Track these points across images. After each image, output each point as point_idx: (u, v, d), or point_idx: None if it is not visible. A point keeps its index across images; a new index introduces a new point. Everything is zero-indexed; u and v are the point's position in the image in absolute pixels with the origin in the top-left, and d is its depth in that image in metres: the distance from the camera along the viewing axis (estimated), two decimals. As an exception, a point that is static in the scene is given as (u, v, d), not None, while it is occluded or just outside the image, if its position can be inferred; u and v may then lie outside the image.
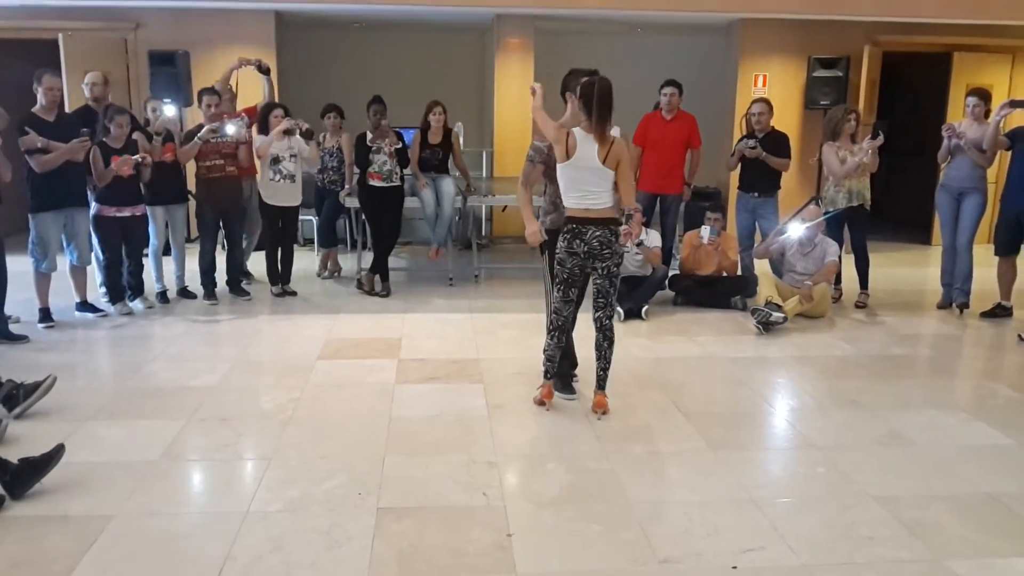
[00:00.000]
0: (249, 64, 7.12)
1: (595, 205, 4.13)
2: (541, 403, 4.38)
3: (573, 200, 4.15)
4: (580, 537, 3.08)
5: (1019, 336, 5.84)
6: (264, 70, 7.22)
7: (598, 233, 4.13)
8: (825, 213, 6.55)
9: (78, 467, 3.60)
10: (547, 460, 3.76)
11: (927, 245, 9.50)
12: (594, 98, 4.04)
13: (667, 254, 6.88)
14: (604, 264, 4.17)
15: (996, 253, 6.30)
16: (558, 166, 4.18)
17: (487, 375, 4.90)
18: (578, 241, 4.15)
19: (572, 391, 4.51)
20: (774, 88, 9.19)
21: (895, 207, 10.69)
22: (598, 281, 4.22)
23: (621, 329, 5.81)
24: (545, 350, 4.38)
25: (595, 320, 4.28)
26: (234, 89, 7.23)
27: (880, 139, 6.47)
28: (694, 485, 3.53)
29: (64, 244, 5.87)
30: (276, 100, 7.41)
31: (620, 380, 4.70)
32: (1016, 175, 6.05)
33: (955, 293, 6.54)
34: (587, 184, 4.10)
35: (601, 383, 4.34)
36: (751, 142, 6.61)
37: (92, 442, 3.89)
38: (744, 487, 3.51)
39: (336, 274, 7.72)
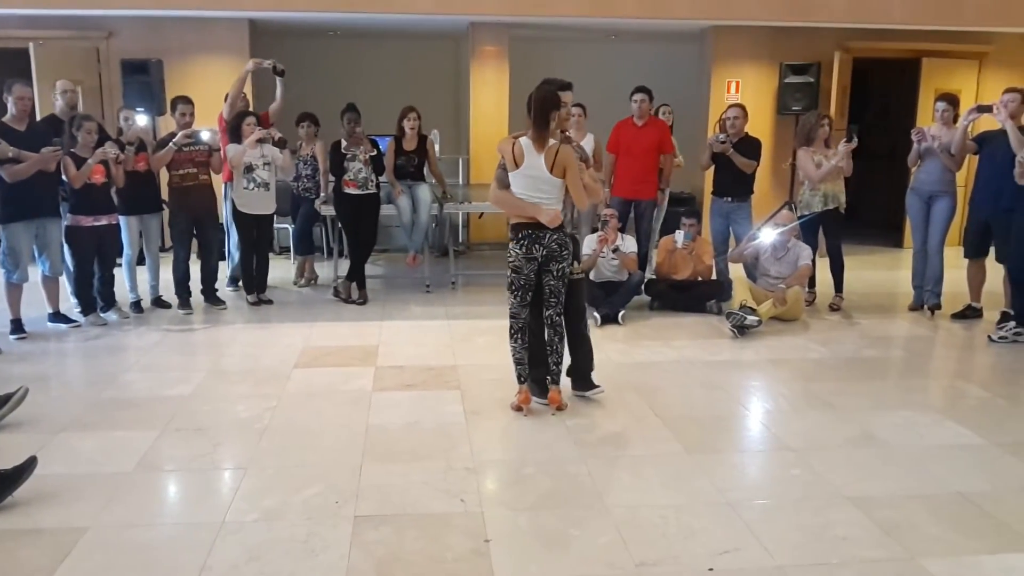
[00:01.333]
0: (263, 66, 7.05)
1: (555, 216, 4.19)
2: (519, 408, 4.40)
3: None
4: (558, 542, 3.09)
5: (989, 337, 5.93)
6: (279, 72, 7.15)
7: (555, 236, 4.23)
8: (800, 217, 6.62)
9: (51, 479, 3.56)
10: (524, 465, 3.77)
11: (899, 248, 9.62)
12: (532, 107, 4.12)
13: (642, 260, 6.92)
14: (559, 266, 4.26)
15: (965, 255, 6.40)
16: (509, 174, 4.24)
17: (464, 382, 4.90)
18: (537, 246, 4.23)
19: (542, 397, 4.52)
20: (747, 94, 9.29)
21: (867, 210, 10.80)
22: (551, 283, 4.30)
23: (598, 334, 5.85)
24: (512, 354, 4.43)
25: (545, 317, 4.37)
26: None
27: (854, 142, 6.56)
28: (670, 488, 3.55)
29: (36, 255, 5.80)
30: (281, 102, 7.36)
31: (597, 385, 4.74)
32: (984, 179, 6.14)
33: (926, 295, 6.63)
34: (538, 192, 4.18)
35: (555, 378, 4.43)
36: (721, 136, 6.67)
37: (65, 454, 3.84)
38: (720, 490, 3.53)
39: (312, 282, 7.69)
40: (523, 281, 4.32)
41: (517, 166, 4.20)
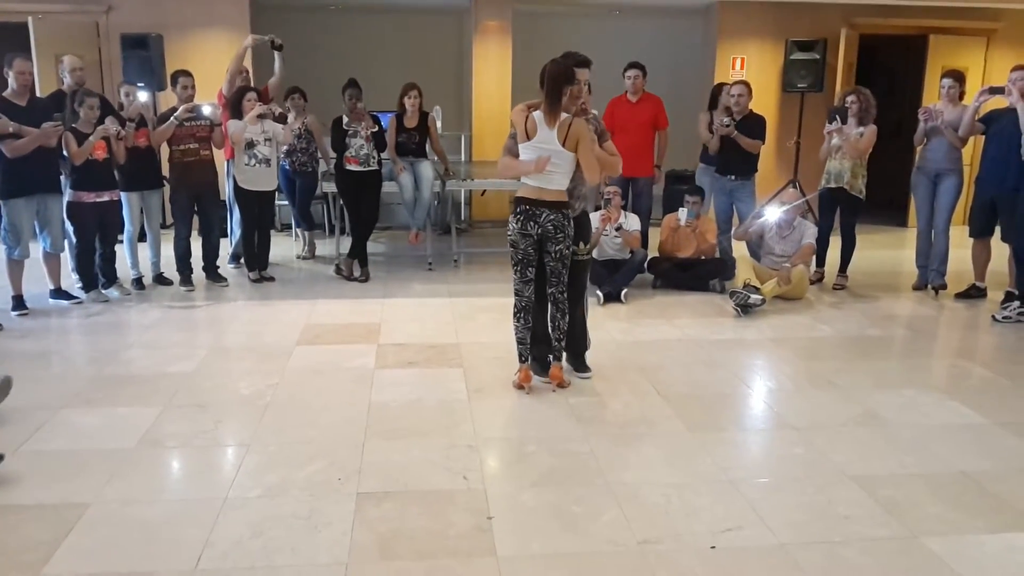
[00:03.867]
0: (262, 41, 7.02)
1: (550, 186, 4.17)
2: (520, 387, 4.39)
3: (532, 179, 4.19)
4: (560, 519, 3.09)
5: (993, 317, 5.91)
6: (277, 47, 7.11)
7: (552, 216, 4.18)
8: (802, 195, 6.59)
9: (54, 455, 3.57)
10: (527, 443, 3.77)
11: (903, 227, 9.58)
12: (544, 81, 4.10)
13: (644, 237, 6.90)
14: (556, 248, 4.23)
15: (971, 235, 6.37)
16: (519, 146, 4.22)
17: (467, 359, 4.89)
18: (532, 223, 4.20)
19: (544, 374, 4.52)
20: (752, 71, 9.22)
21: (872, 189, 10.72)
22: (551, 263, 4.28)
23: (600, 313, 5.84)
24: (515, 333, 4.42)
25: (548, 295, 4.36)
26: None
27: (833, 125, 6.48)
28: (673, 466, 3.55)
29: (37, 231, 5.79)
30: (281, 77, 7.33)
31: (600, 363, 4.73)
32: (990, 158, 6.10)
33: (931, 274, 6.61)
34: (550, 165, 4.14)
35: (557, 353, 4.43)
36: (726, 120, 6.62)
37: (68, 430, 3.85)
38: (722, 468, 3.53)
39: (312, 255, 7.70)
40: (521, 256, 4.30)
41: (529, 138, 4.18)
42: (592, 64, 4.37)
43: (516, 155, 4.26)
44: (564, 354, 4.51)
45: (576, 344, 4.61)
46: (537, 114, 4.16)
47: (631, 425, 4.00)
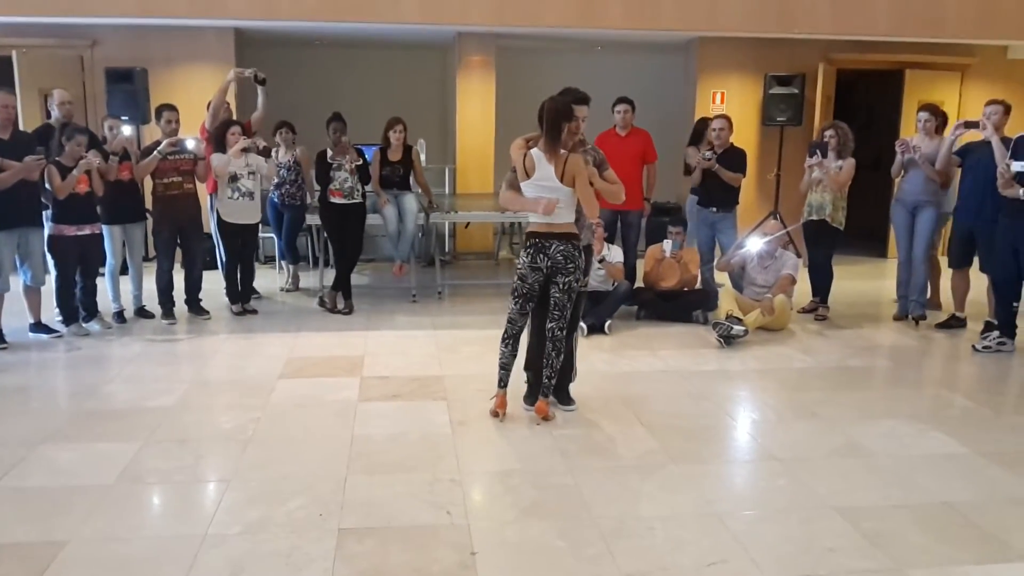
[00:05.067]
0: (244, 76, 7.07)
1: (557, 220, 4.19)
2: (495, 414, 4.39)
3: (537, 215, 4.20)
4: (545, 554, 3.07)
5: (973, 347, 5.96)
6: (260, 80, 7.16)
7: (561, 247, 4.18)
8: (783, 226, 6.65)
9: (31, 492, 3.52)
10: (511, 477, 3.75)
11: (883, 258, 9.67)
12: (543, 118, 4.11)
13: (631, 270, 6.93)
14: (566, 279, 4.21)
15: (949, 266, 6.43)
16: (522, 184, 4.23)
17: (451, 392, 4.87)
18: (542, 256, 4.20)
19: (532, 404, 4.51)
20: (732, 105, 9.34)
21: (851, 220, 10.83)
22: (556, 295, 4.26)
23: (584, 344, 5.82)
24: (500, 358, 4.42)
25: (547, 330, 4.32)
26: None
27: (814, 159, 6.56)
28: (657, 499, 3.54)
29: (17, 264, 5.74)
30: (264, 111, 7.37)
31: (584, 395, 4.72)
32: (967, 189, 6.17)
33: (911, 305, 6.66)
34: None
35: (545, 391, 4.41)
36: (707, 153, 6.69)
37: (46, 466, 3.79)
38: (707, 500, 3.52)
39: (296, 287, 7.69)
40: (525, 290, 4.30)
41: (528, 176, 4.20)
42: (591, 100, 4.38)
43: (518, 188, 4.28)
44: (551, 392, 4.47)
45: (562, 377, 4.58)
46: (536, 152, 4.18)
47: (616, 458, 3.98)
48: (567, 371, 4.62)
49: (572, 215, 4.23)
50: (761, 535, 3.23)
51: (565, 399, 4.62)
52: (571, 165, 4.12)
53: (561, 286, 4.23)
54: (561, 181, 4.13)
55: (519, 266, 4.31)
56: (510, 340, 4.40)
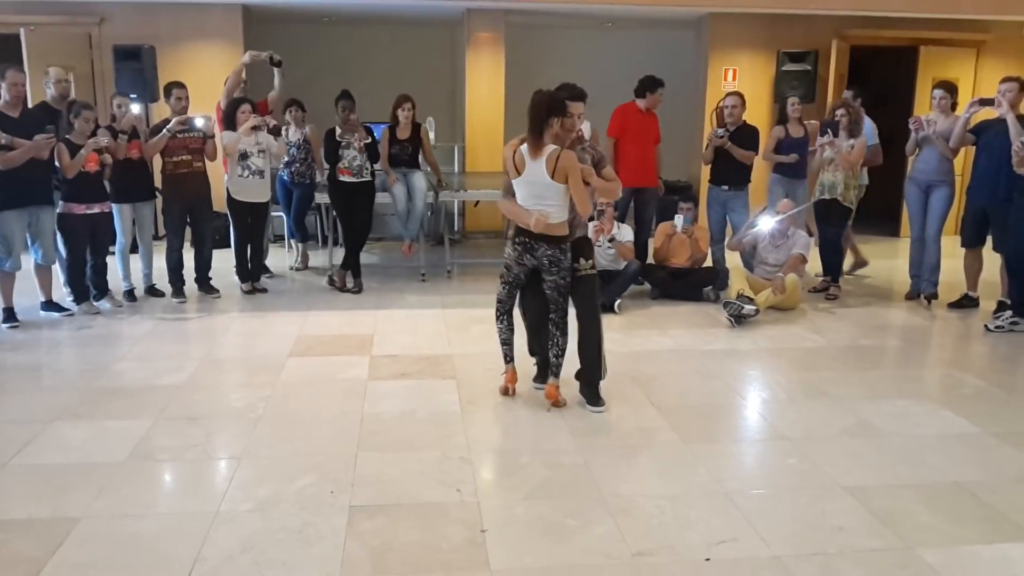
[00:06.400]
0: (260, 58, 7.07)
1: (550, 221, 4.12)
2: (505, 390, 4.41)
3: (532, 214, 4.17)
4: (554, 532, 3.08)
5: (986, 326, 5.92)
6: (276, 63, 7.19)
7: (548, 252, 4.17)
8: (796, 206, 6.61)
9: (43, 469, 3.54)
10: (520, 455, 3.75)
11: (896, 237, 9.61)
12: (529, 111, 4.08)
13: (643, 247, 6.90)
14: (552, 278, 4.22)
15: (962, 245, 6.38)
16: (513, 182, 4.20)
17: (460, 371, 4.88)
18: (528, 256, 4.21)
19: (543, 383, 4.50)
20: (744, 82, 9.25)
21: (864, 199, 10.79)
22: (549, 291, 4.26)
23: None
24: (499, 335, 4.44)
25: (549, 319, 4.32)
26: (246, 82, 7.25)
27: (825, 138, 6.51)
28: (667, 478, 3.54)
29: (29, 243, 5.76)
30: (280, 91, 7.39)
31: (593, 374, 4.72)
32: (981, 169, 6.12)
33: (923, 284, 6.62)
34: (542, 199, 4.11)
35: (554, 371, 4.36)
36: (720, 131, 6.65)
37: (58, 443, 3.82)
38: (716, 479, 3.52)
39: (305, 266, 7.69)
40: (512, 278, 4.33)
41: (519, 173, 4.15)
42: (587, 97, 4.27)
43: (513, 193, 4.24)
44: (560, 372, 4.37)
45: (590, 372, 4.34)
46: (524, 148, 4.11)
47: (625, 436, 3.98)
48: (595, 367, 4.35)
49: (565, 214, 4.16)
50: (770, 514, 3.23)
51: (594, 399, 4.33)
52: (563, 161, 4.04)
53: (550, 284, 4.23)
54: (552, 177, 4.07)
55: (506, 255, 4.32)
56: (503, 316, 4.42)
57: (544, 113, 4.04)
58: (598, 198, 6.33)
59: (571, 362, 4.37)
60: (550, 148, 4.06)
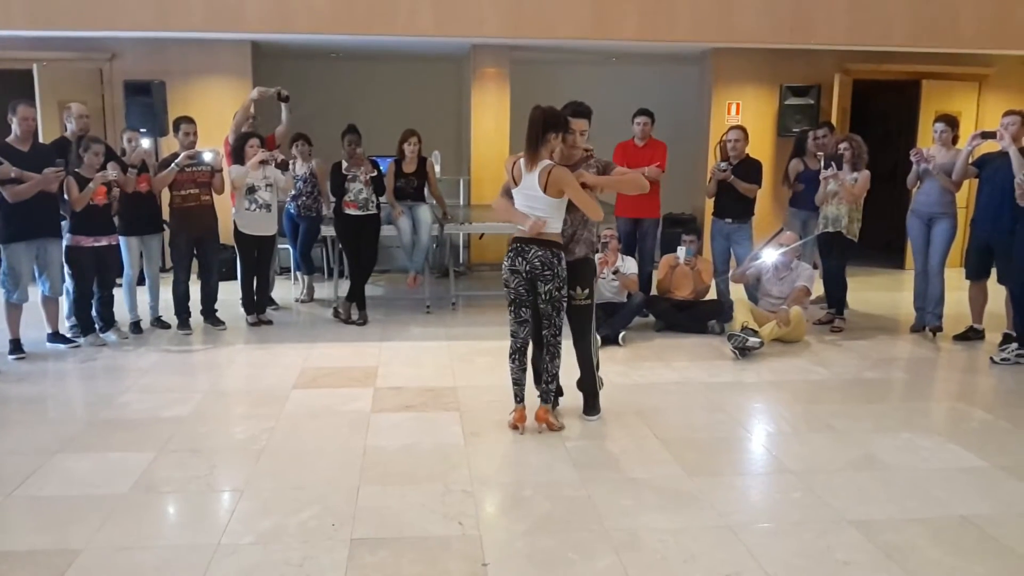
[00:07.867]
0: (268, 94, 7.16)
1: (544, 230, 4.20)
2: (515, 427, 4.39)
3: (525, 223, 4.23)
4: (556, 566, 3.06)
5: (991, 359, 5.90)
6: (284, 98, 7.28)
7: (540, 253, 4.19)
8: (802, 237, 6.63)
9: (46, 500, 3.54)
10: (523, 488, 3.74)
11: (900, 269, 9.61)
12: (527, 127, 4.16)
13: (646, 280, 6.92)
14: (546, 287, 4.23)
15: (967, 277, 6.37)
16: (512, 191, 4.29)
17: (463, 403, 4.87)
18: (520, 259, 4.23)
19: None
20: (747, 116, 9.31)
21: (868, 231, 10.79)
22: (542, 305, 4.28)
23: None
24: (511, 375, 4.44)
25: (543, 336, 4.35)
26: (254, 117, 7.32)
27: (829, 171, 6.54)
28: (671, 511, 3.52)
29: (36, 275, 5.80)
30: (287, 126, 7.47)
31: (597, 406, 4.71)
32: (985, 201, 6.13)
33: (928, 317, 6.60)
34: (536, 210, 4.18)
35: (544, 397, 4.40)
36: (723, 164, 6.69)
37: (61, 474, 3.82)
38: (720, 513, 3.50)
39: (310, 298, 7.72)
40: (513, 295, 4.33)
41: (516, 184, 4.24)
42: (591, 114, 4.36)
43: (511, 195, 4.32)
44: (553, 397, 4.46)
45: (590, 385, 4.60)
46: (523, 160, 4.21)
47: (629, 469, 3.97)
48: (590, 381, 4.61)
49: (559, 225, 4.24)
50: (775, 548, 3.21)
51: (590, 409, 4.61)
52: (555, 178, 4.09)
53: (543, 295, 4.24)
54: (544, 191, 4.13)
55: (502, 271, 4.35)
56: (516, 355, 4.41)
57: (540, 128, 4.11)
58: (601, 229, 6.37)
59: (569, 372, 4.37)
60: (544, 163, 4.13)
